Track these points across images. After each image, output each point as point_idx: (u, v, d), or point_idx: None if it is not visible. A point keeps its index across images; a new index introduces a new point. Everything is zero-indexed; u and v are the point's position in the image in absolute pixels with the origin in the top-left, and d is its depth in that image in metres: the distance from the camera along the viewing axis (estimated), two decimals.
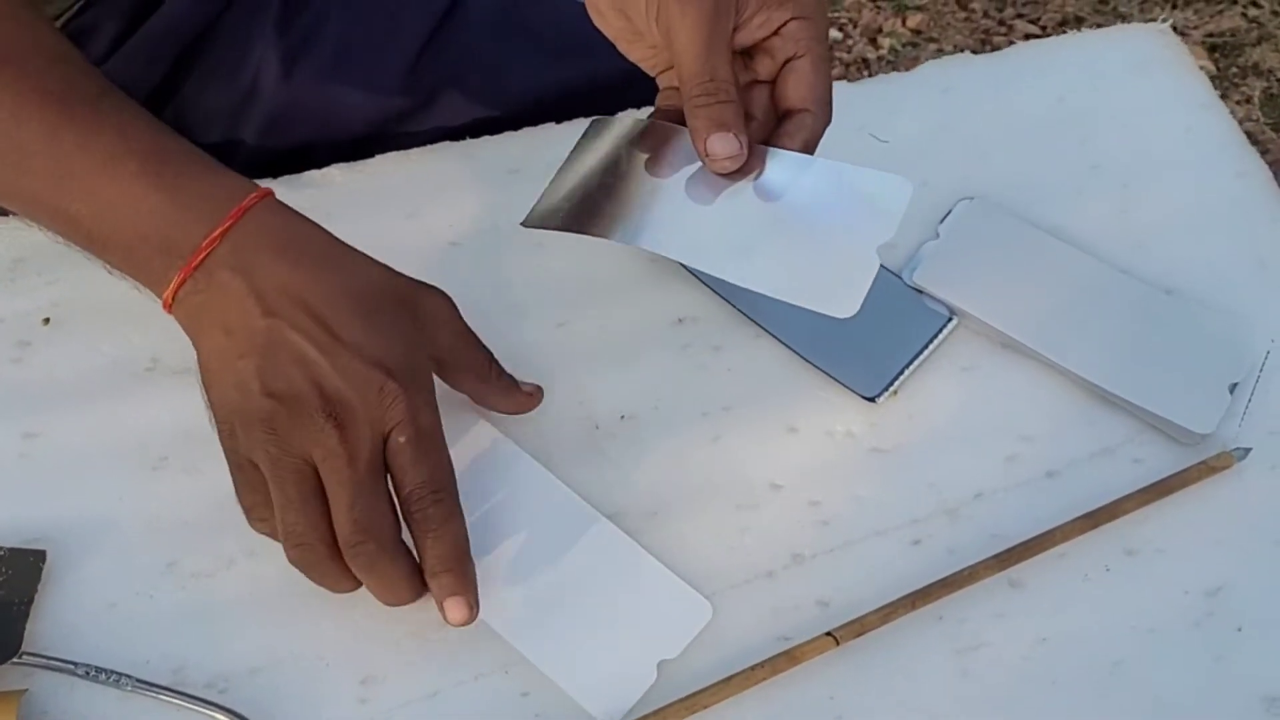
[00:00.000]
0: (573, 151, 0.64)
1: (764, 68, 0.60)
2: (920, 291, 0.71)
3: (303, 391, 0.53)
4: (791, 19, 0.58)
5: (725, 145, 0.57)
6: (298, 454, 0.53)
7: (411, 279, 0.59)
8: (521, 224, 0.63)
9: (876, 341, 0.69)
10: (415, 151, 0.75)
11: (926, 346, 0.69)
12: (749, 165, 0.59)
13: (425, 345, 0.57)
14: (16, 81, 0.56)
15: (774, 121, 0.61)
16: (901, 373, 0.68)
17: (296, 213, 0.57)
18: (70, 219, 0.56)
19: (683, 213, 0.59)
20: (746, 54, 0.61)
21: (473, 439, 0.64)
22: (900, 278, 0.71)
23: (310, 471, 0.53)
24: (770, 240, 0.58)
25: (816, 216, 0.59)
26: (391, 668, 0.59)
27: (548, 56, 0.82)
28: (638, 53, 0.62)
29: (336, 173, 0.74)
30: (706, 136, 0.57)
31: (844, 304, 0.56)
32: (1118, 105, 0.79)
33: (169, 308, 0.56)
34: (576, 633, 0.59)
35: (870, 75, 1.62)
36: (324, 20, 0.78)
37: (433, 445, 0.55)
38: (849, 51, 1.62)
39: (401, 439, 0.54)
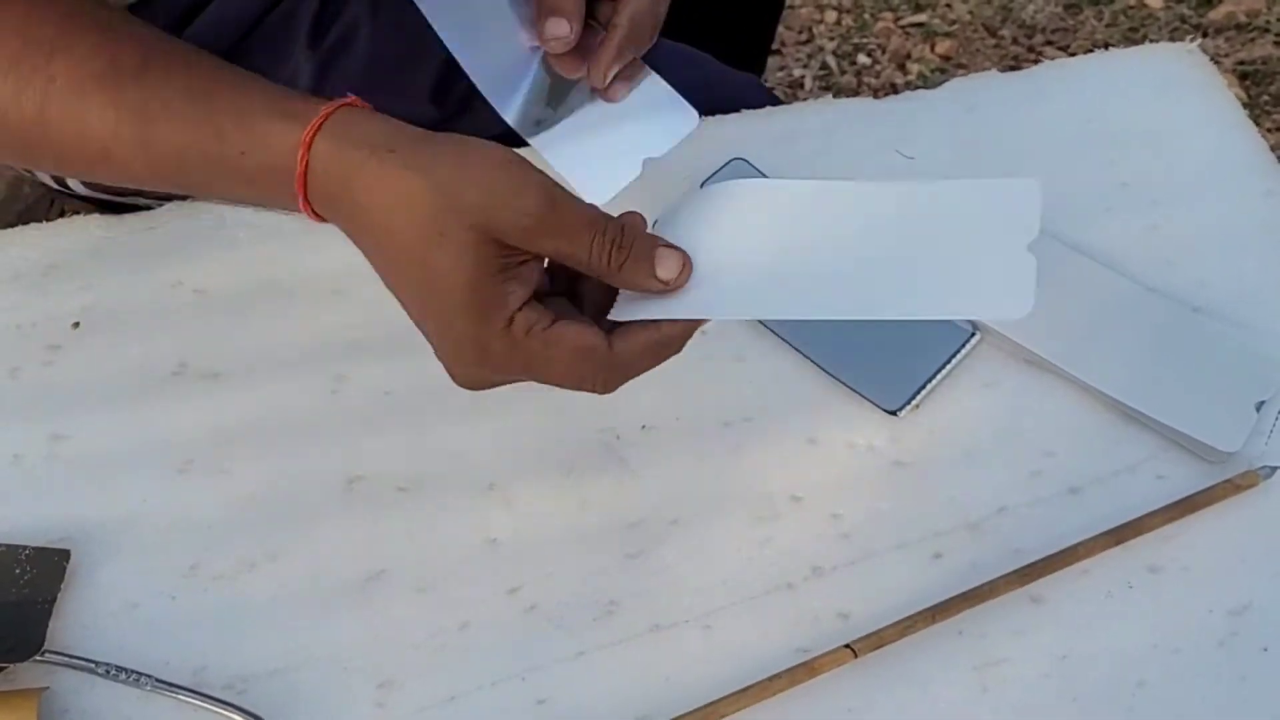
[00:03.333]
0: None
1: None
2: None
3: None
4: None
5: (556, 27, 0.61)
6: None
7: (449, 193, 0.51)
8: None
9: (899, 354, 0.68)
10: None
11: (950, 360, 0.68)
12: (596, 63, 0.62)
13: (449, 288, 0.52)
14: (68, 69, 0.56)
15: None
16: (924, 386, 0.67)
17: (351, 138, 0.53)
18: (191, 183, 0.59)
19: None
20: None
21: None
22: None
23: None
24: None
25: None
26: (409, 672, 0.59)
27: None
28: None
29: None
30: (544, 20, 0.62)
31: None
32: (1146, 124, 0.79)
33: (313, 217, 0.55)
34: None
35: None
36: (354, 34, 0.79)
37: (485, 374, 0.54)
38: (877, 77, 1.63)
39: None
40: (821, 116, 0.79)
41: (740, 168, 0.75)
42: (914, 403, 0.67)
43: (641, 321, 0.53)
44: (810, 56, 1.64)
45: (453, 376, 0.55)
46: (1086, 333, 0.69)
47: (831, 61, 1.64)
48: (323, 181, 0.53)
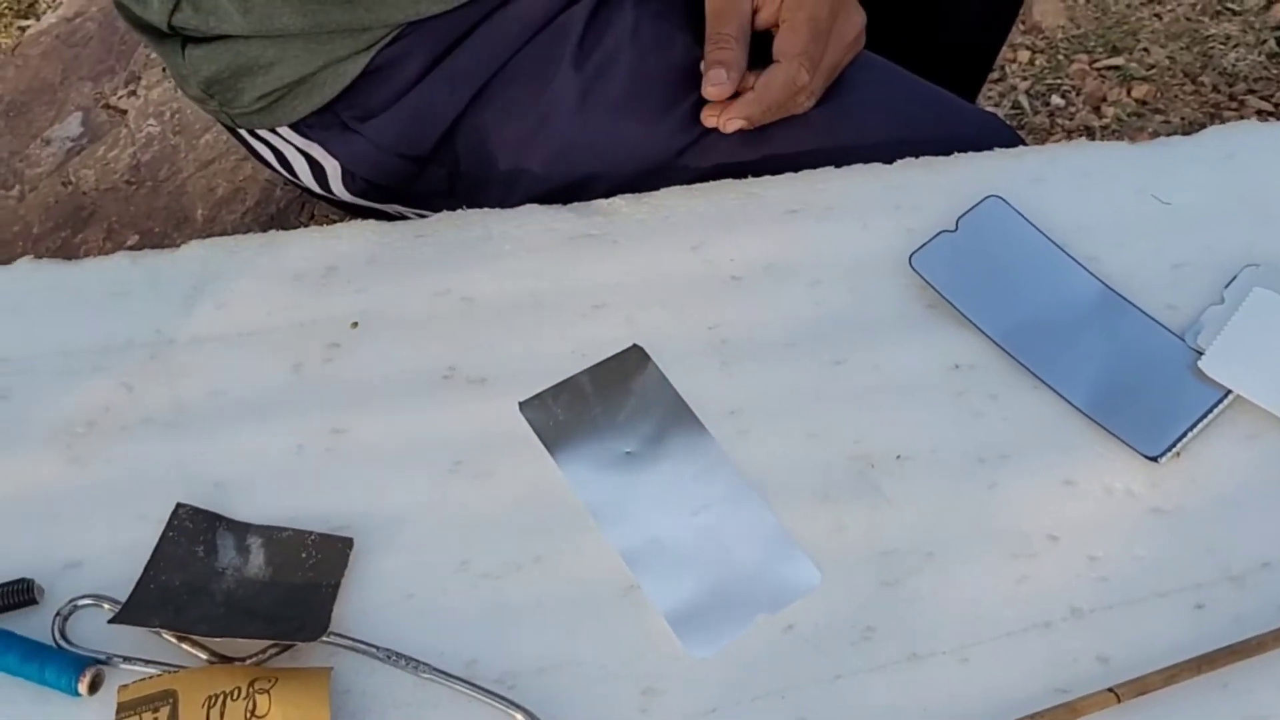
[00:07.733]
0: None
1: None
2: (1200, 353, 0.70)
3: None
4: None
5: (716, 75, 0.76)
6: None
7: None
8: None
9: (1159, 401, 0.68)
10: (699, 186, 0.78)
11: (1212, 410, 0.68)
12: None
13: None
14: None
15: None
16: (1186, 434, 0.67)
17: None
18: None
19: None
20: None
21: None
22: (1183, 340, 0.70)
23: None
24: None
25: None
26: (672, 682, 0.61)
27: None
28: None
29: (622, 203, 0.78)
30: (708, 71, 0.77)
31: None
32: None
33: None
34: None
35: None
36: (616, 58, 0.82)
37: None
38: (1071, 119, 1.61)
39: None
40: (1075, 158, 0.79)
41: (996, 205, 0.75)
42: (1175, 450, 0.67)
43: None
44: (1003, 95, 1.63)
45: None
46: None
47: (1024, 101, 1.62)
48: None
